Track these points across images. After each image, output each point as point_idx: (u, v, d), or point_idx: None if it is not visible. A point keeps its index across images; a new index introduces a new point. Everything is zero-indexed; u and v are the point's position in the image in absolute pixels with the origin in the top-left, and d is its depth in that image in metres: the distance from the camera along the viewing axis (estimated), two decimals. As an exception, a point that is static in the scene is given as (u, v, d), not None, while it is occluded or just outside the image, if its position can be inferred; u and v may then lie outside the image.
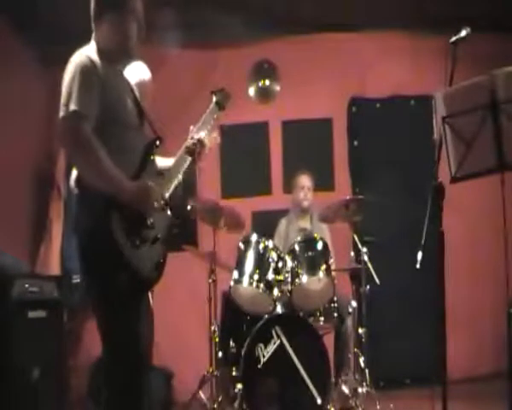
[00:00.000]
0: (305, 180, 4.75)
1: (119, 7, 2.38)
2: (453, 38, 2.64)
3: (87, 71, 2.25)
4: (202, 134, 2.75)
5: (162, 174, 2.54)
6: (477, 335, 5.23)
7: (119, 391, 2.28)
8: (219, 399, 4.01)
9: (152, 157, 2.46)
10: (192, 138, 2.73)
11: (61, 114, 2.21)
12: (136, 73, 3.20)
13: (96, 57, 2.33)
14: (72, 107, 2.17)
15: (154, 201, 2.33)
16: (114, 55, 2.42)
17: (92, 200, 2.25)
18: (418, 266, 2.56)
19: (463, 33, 2.63)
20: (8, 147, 4.65)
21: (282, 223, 4.81)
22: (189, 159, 2.70)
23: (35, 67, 5.30)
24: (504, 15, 5.07)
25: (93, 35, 2.44)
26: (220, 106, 2.91)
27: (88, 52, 2.34)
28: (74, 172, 2.34)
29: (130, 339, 2.29)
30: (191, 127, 2.79)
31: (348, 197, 4.35)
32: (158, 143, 2.47)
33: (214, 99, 2.90)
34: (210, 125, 2.82)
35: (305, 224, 4.77)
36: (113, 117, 2.29)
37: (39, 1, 4.55)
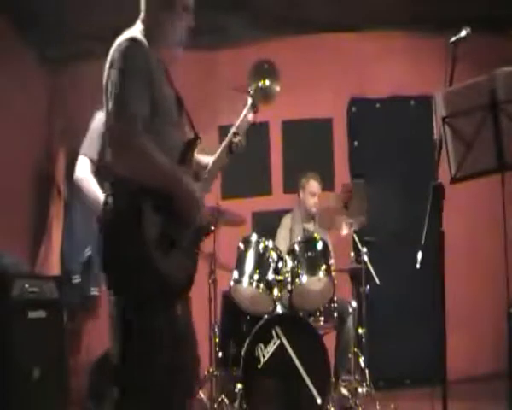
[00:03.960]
0: (316, 187, 4.73)
1: (170, 4, 2.26)
2: (453, 38, 2.64)
3: (136, 63, 2.08)
4: (240, 133, 2.63)
5: (198, 174, 2.42)
6: (477, 335, 5.23)
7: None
8: (219, 399, 4.01)
9: (191, 156, 2.35)
10: (235, 136, 2.58)
11: (113, 116, 2.06)
12: None
13: (145, 43, 2.17)
14: (129, 110, 2.04)
15: (202, 209, 2.25)
16: (159, 43, 2.27)
17: (127, 194, 2.10)
18: (418, 266, 2.56)
19: (463, 33, 2.64)
20: (9, 147, 4.65)
21: (287, 220, 4.79)
22: (228, 158, 2.57)
23: (35, 67, 5.30)
24: (504, 15, 5.08)
25: (141, 19, 2.30)
26: (255, 105, 2.80)
27: (137, 36, 2.17)
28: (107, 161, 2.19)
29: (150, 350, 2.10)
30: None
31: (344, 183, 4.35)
32: (197, 141, 2.35)
33: (249, 99, 2.80)
34: (247, 125, 2.71)
35: (309, 226, 4.77)
36: (155, 111, 2.13)
37: (39, 1, 4.55)
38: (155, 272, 2.07)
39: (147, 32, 2.24)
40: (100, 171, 2.27)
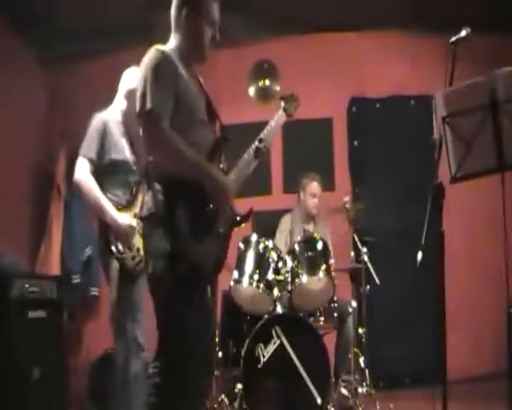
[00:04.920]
0: (316, 189, 4.73)
1: (196, 10, 2.46)
2: (453, 38, 2.64)
3: (160, 65, 2.29)
4: (268, 139, 2.75)
5: (226, 172, 2.53)
6: (477, 335, 5.23)
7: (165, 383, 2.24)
8: (219, 399, 4.02)
9: (220, 155, 2.48)
10: (261, 141, 2.72)
11: (138, 112, 2.27)
12: (134, 77, 3.16)
13: (171, 52, 2.39)
14: (148, 106, 2.21)
15: (232, 198, 2.42)
16: (188, 56, 2.48)
17: (164, 187, 2.27)
18: (418, 265, 2.56)
19: (463, 33, 2.64)
20: (9, 147, 4.65)
21: (286, 220, 4.79)
22: (256, 162, 2.70)
23: (35, 67, 5.30)
24: (504, 15, 5.07)
25: (172, 33, 2.51)
26: (288, 112, 2.92)
27: (163, 47, 2.39)
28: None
29: (183, 333, 2.25)
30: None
31: (347, 198, 4.35)
32: (226, 140, 2.50)
33: (282, 105, 2.91)
34: (275, 131, 2.82)
35: (308, 227, 4.77)
36: (183, 112, 2.32)
37: (39, 1, 4.55)
38: (190, 259, 2.24)
39: (178, 47, 2.46)
40: (146, 170, 2.39)
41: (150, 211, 2.30)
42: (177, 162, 2.27)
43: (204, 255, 2.29)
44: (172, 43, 2.48)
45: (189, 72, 2.45)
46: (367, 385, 4.05)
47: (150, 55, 2.33)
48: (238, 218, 2.51)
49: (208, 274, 2.41)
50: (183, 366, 2.25)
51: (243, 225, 2.54)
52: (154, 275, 2.30)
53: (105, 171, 3.25)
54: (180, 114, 2.30)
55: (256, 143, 2.70)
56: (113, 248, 3.15)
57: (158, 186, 2.29)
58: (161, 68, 2.29)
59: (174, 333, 2.27)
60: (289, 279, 3.94)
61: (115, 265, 3.17)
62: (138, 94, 2.28)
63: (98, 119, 3.32)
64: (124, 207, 3.24)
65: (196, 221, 2.26)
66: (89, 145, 3.27)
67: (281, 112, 2.90)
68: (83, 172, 3.22)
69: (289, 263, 4.00)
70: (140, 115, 2.27)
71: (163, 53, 2.34)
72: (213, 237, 2.35)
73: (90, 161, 3.24)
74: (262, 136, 2.73)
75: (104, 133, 3.26)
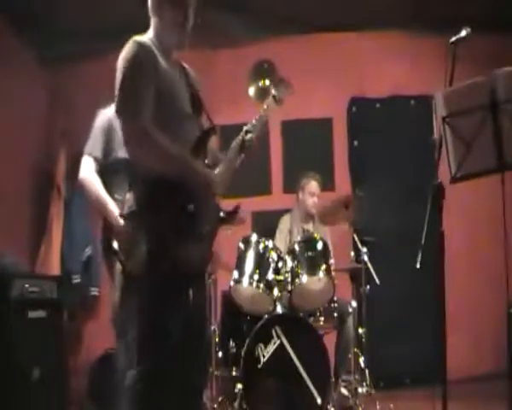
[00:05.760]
0: (315, 188, 4.73)
1: (174, 4, 2.34)
2: (453, 38, 2.64)
3: (137, 58, 2.20)
4: (256, 131, 2.54)
5: (212, 167, 2.40)
6: (477, 335, 5.23)
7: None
8: (219, 399, 4.02)
9: (205, 149, 2.38)
10: (247, 133, 2.51)
11: (116, 110, 2.20)
12: None
13: (149, 42, 2.29)
14: (127, 103, 2.16)
15: (217, 194, 2.33)
16: (168, 43, 2.37)
17: (145, 184, 2.21)
18: (418, 265, 2.56)
19: (463, 33, 2.64)
20: (9, 147, 4.65)
21: (286, 220, 4.80)
22: (242, 157, 2.50)
23: (35, 67, 5.30)
24: (504, 15, 5.07)
25: (151, 23, 2.40)
26: (277, 100, 2.67)
27: (142, 38, 2.30)
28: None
29: (160, 336, 2.18)
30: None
31: (346, 195, 4.34)
32: (211, 133, 2.39)
33: (272, 92, 2.67)
34: (264, 121, 2.60)
35: (307, 226, 4.77)
36: (165, 105, 2.24)
37: (39, 1, 4.55)
38: (171, 258, 2.16)
39: (156, 34, 2.35)
40: (125, 168, 2.34)
41: (131, 209, 2.24)
42: (160, 160, 2.18)
43: (186, 255, 2.20)
44: (151, 31, 2.38)
45: (170, 60, 2.36)
46: (367, 385, 4.05)
47: (127, 49, 2.23)
48: (223, 215, 2.39)
49: (191, 275, 2.29)
50: (165, 371, 2.17)
51: (233, 223, 2.43)
52: (134, 274, 2.24)
53: (110, 169, 3.20)
54: (161, 107, 2.22)
55: (242, 135, 2.51)
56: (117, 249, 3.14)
57: (139, 184, 2.23)
58: (138, 61, 2.20)
59: (153, 337, 2.18)
60: (289, 279, 3.94)
61: (119, 266, 3.16)
62: (116, 90, 2.20)
63: (103, 115, 3.28)
64: None
65: (179, 220, 2.18)
66: (94, 143, 3.24)
67: (270, 99, 2.67)
68: (88, 170, 3.21)
69: (289, 263, 3.99)
70: (119, 113, 2.19)
71: (140, 44, 2.24)
72: (197, 236, 2.25)
73: (96, 159, 3.21)
74: (248, 127, 2.54)
75: (109, 130, 3.21)
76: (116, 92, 2.20)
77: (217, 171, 2.39)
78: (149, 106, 2.18)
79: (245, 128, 2.53)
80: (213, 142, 2.48)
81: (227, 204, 4.70)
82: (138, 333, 2.21)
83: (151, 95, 2.19)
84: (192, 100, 2.42)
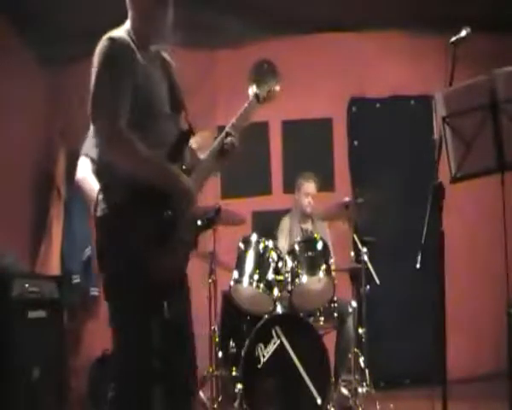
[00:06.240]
0: (311, 188, 4.73)
1: None
2: (453, 38, 2.64)
3: (110, 57, 2.10)
4: (236, 133, 2.39)
5: (190, 170, 2.29)
6: (477, 335, 5.23)
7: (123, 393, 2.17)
8: (219, 399, 4.01)
9: (182, 151, 2.28)
10: (227, 136, 2.37)
11: (90, 113, 2.10)
12: None
13: (125, 37, 2.18)
14: (101, 106, 2.07)
15: (194, 203, 2.23)
16: (144, 37, 2.25)
17: (116, 193, 2.12)
18: (418, 265, 2.56)
19: (463, 33, 2.64)
20: (8, 147, 4.65)
21: (285, 220, 4.80)
22: (223, 161, 2.38)
23: (35, 67, 5.30)
24: (504, 15, 5.07)
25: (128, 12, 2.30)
26: (260, 98, 2.50)
27: (116, 33, 2.18)
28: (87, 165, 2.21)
29: (139, 342, 2.13)
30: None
31: (347, 199, 4.32)
32: (189, 135, 2.30)
33: (254, 90, 2.50)
34: (246, 121, 2.44)
35: (306, 226, 4.77)
36: (141, 103, 2.13)
37: (40, 1, 4.55)
38: (143, 270, 2.07)
39: (132, 26, 2.25)
40: (97, 169, 2.28)
41: (104, 212, 2.14)
42: (135, 165, 2.09)
43: (159, 264, 2.10)
44: (127, 23, 2.26)
45: (148, 53, 2.25)
46: (367, 385, 4.05)
47: (100, 47, 2.12)
48: (202, 222, 2.30)
49: (166, 285, 2.17)
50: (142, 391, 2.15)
51: (216, 225, 2.36)
52: (105, 280, 2.18)
53: None
54: (137, 106, 2.11)
55: (222, 137, 2.37)
56: None
57: (112, 188, 2.14)
58: (113, 60, 2.09)
59: (125, 352, 2.15)
60: (289, 279, 3.94)
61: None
62: (91, 92, 2.10)
63: None
64: None
65: (153, 227, 2.09)
66: (90, 144, 3.25)
67: (251, 98, 2.48)
68: (84, 170, 3.21)
69: (289, 263, 3.99)
70: (93, 117, 2.09)
71: (114, 41, 2.12)
72: (173, 244, 2.15)
73: (92, 159, 3.23)
74: (228, 128, 2.39)
75: None
76: (90, 94, 2.10)
77: (192, 176, 2.27)
78: (126, 108, 2.08)
79: (226, 129, 2.40)
80: (194, 141, 2.38)
81: (227, 204, 4.72)
82: (112, 348, 2.19)
83: (128, 95, 2.09)
84: (171, 97, 2.31)
